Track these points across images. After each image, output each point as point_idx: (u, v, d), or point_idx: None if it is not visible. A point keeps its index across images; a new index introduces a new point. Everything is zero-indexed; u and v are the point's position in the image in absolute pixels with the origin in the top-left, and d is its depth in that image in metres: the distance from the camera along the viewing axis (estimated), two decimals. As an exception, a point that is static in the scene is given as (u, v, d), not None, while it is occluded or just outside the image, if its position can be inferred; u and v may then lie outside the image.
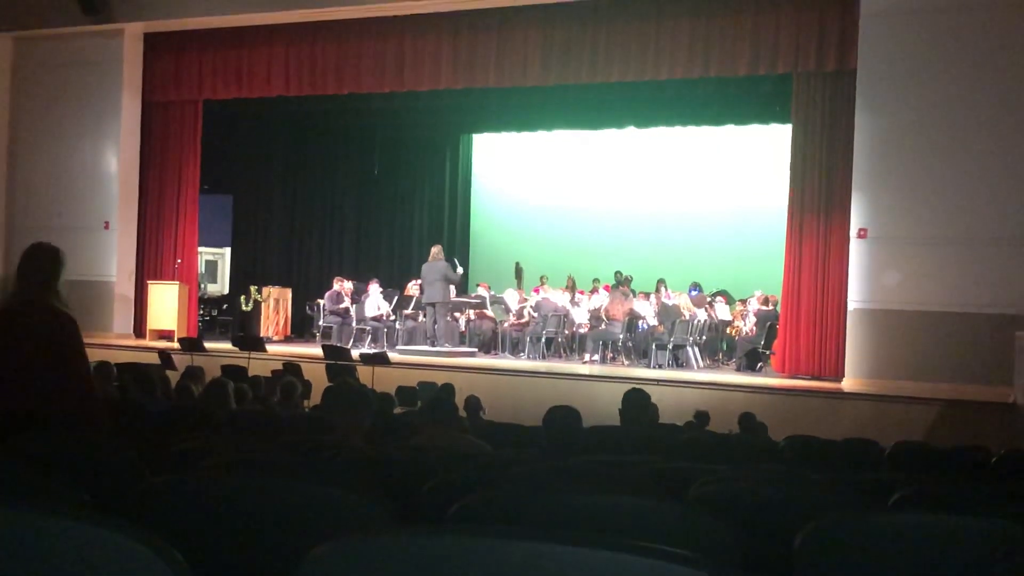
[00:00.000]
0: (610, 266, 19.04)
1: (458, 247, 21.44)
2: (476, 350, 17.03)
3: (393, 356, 14.63)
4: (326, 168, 22.57)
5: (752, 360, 15.64)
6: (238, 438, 5.38)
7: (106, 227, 17.86)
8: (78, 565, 1.71)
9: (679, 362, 15.89)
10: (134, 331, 17.87)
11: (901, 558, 2.41)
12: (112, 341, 16.96)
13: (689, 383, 13.59)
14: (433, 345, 16.37)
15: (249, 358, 13.81)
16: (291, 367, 12.16)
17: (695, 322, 16.18)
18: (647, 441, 6.50)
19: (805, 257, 14.33)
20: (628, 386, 8.59)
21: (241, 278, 21.30)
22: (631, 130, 20.64)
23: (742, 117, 19.20)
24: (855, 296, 13.54)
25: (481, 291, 18.25)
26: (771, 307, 15.96)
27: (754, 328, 16.10)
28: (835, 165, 14.14)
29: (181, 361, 13.39)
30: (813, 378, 13.95)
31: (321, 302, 18.37)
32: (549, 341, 16.81)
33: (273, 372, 11.71)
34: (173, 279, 17.63)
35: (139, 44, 18.07)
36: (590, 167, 22.05)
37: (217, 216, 22.07)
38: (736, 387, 13.32)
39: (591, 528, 2.42)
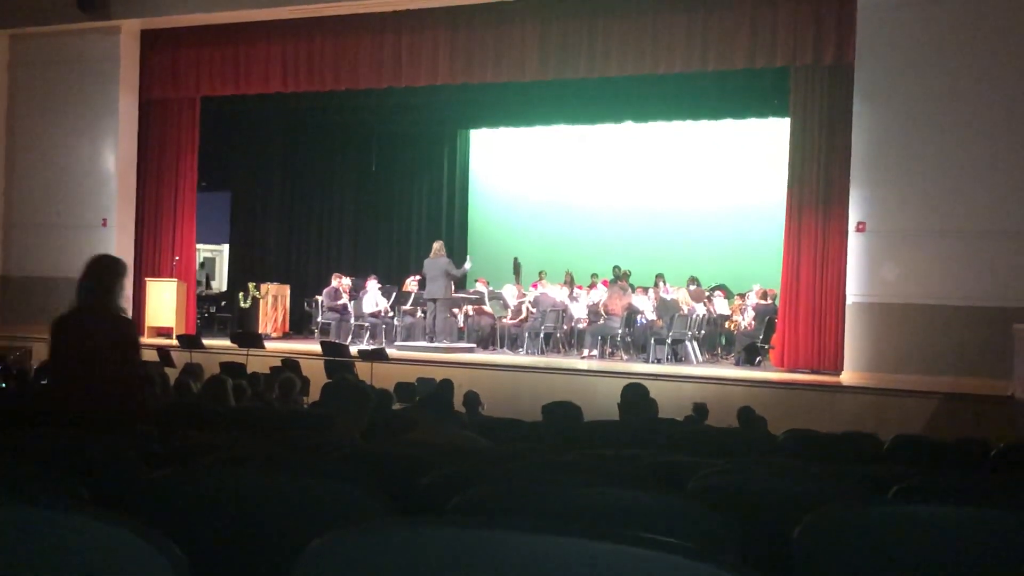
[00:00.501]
0: (608, 261, 19.04)
1: (456, 243, 21.44)
2: (475, 346, 17.03)
3: (391, 352, 14.64)
4: (324, 164, 22.56)
5: (751, 354, 15.65)
6: (237, 435, 5.38)
7: (104, 224, 17.84)
8: (78, 559, 1.71)
9: (678, 357, 15.89)
10: (133, 328, 17.83)
11: (900, 549, 2.41)
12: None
13: (688, 378, 13.61)
14: (432, 341, 16.37)
15: (248, 355, 13.80)
16: (290, 363, 12.15)
17: (694, 316, 16.18)
18: (646, 435, 6.50)
19: (804, 251, 14.33)
20: (627, 381, 8.59)
21: (239, 275, 21.30)
22: (629, 124, 20.65)
23: (740, 111, 19.20)
24: (854, 289, 13.54)
25: (479, 287, 18.26)
26: (770, 301, 15.96)
27: (753, 322, 16.10)
28: (833, 158, 14.13)
29: (180, 358, 13.39)
30: (812, 372, 13.95)
31: (319, 298, 18.37)
32: (547, 336, 16.81)
33: (272, 369, 11.70)
34: (171, 276, 17.62)
35: (136, 41, 18.03)
36: (588, 162, 22.04)
37: (215, 213, 22.06)
38: (735, 381, 13.34)
39: (591, 521, 2.42)
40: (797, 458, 5.65)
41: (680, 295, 16.93)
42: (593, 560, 1.52)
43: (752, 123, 19.78)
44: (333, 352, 13.68)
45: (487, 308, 17.98)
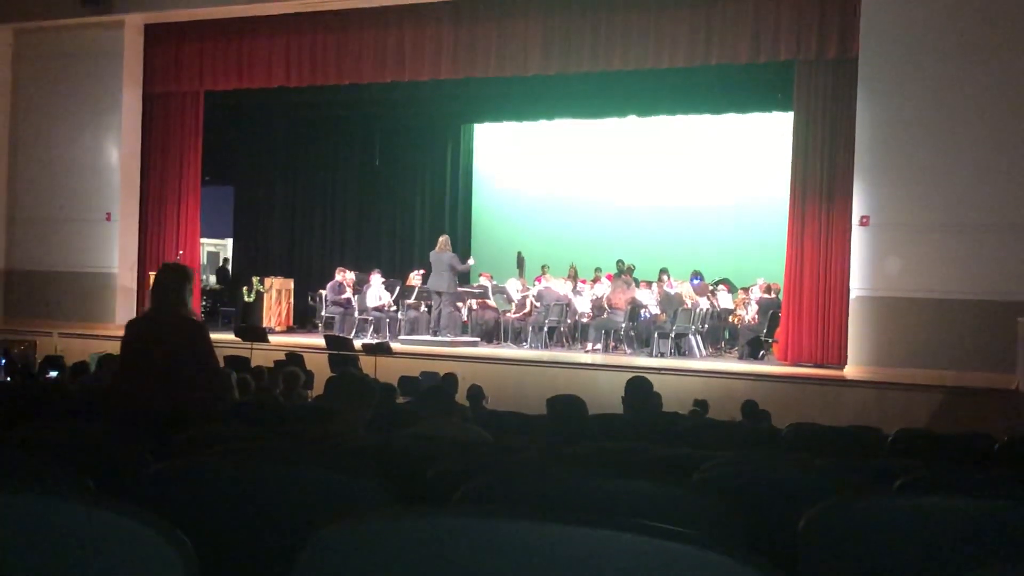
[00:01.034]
0: (612, 255, 19.02)
1: (460, 237, 21.42)
2: (479, 340, 17.03)
3: (395, 346, 14.65)
4: (327, 158, 22.57)
5: (754, 348, 15.64)
6: (241, 428, 5.39)
7: (108, 218, 17.87)
8: (85, 548, 1.72)
9: (681, 351, 15.87)
10: (137, 322, 17.85)
11: (904, 541, 2.41)
12: (115, 332, 16.96)
13: (691, 371, 13.61)
14: (435, 335, 16.38)
15: (252, 349, 13.81)
16: (294, 357, 12.16)
17: (697, 310, 16.17)
18: (650, 429, 6.51)
19: (807, 245, 14.32)
20: (630, 375, 8.59)
21: (243, 269, 21.30)
22: (632, 119, 20.62)
23: (744, 105, 19.20)
24: (857, 284, 13.54)
25: (483, 281, 18.25)
26: (773, 295, 15.94)
27: (756, 316, 16.09)
28: (837, 153, 14.13)
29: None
30: (816, 366, 13.95)
31: (323, 293, 18.36)
32: (551, 330, 16.81)
33: (276, 363, 11.71)
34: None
35: (139, 35, 18.05)
36: (591, 156, 22.02)
37: (219, 207, 22.07)
38: (739, 375, 13.34)
39: (596, 511, 2.43)
40: (801, 451, 5.65)
41: (684, 289, 16.92)
42: (596, 548, 1.53)
43: (756, 117, 19.77)
44: (337, 346, 13.69)
45: (491, 302, 17.99)
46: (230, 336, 15.56)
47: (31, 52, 18.55)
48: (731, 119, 20.17)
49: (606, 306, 16.60)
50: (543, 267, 18.83)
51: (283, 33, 17.16)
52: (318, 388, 10.50)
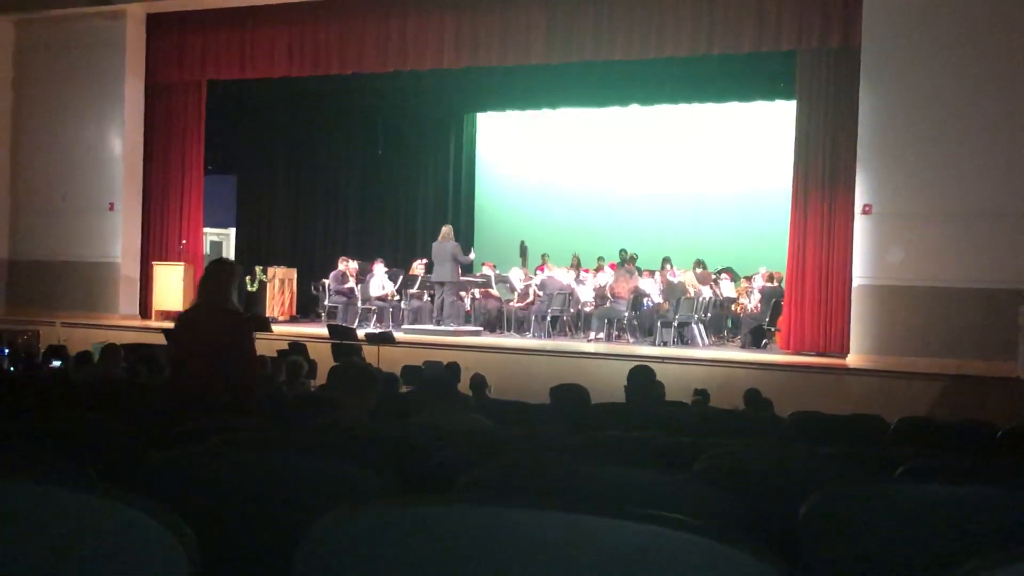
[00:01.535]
0: (615, 244, 19.02)
1: (463, 226, 21.43)
2: (481, 329, 17.05)
3: (398, 335, 14.66)
4: (330, 148, 22.54)
5: (757, 337, 15.65)
6: (244, 417, 5.40)
7: (111, 208, 17.88)
8: (88, 538, 1.72)
9: (684, 339, 15.88)
10: (140, 312, 17.91)
11: (905, 528, 2.42)
12: (118, 322, 17.01)
13: (694, 360, 13.61)
14: (439, 324, 16.39)
15: (255, 338, 13.78)
16: (297, 347, 12.16)
17: (700, 299, 16.17)
18: (653, 417, 6.51)
19: (810, 234, 14.32)
20: (633, 364, 8.59)
21: (246, 258, 21.31)
22: (635, 108, 20.59)
23: (746, 94, 19.18)
24: (860, 272, 13.53)
25: (486, 270, 18.26)
26: (776, 284, 15.94)
27: (759, 305, 16.10)
28: (840, 141, 14.12)
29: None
30: (818, 354, 13.96)
31: (326, 282, 18.37)
32: (554, 319, 16.83)
33: (279, 352, 11.71)
34: (178, 260, 17.66)
35: (141, 25, 18.04)
36: (594, 145, 22.00)
37: (221, 197, 22.05)
38: (741, 364, 13.34)
39: (598, 499, 2.43)
40: (803, 440, 5.65)
41: (687, 278, 16.92)
42: (598, 535, 1.53)
43: (758, 106, 19.74)
44: (340, 335, 13.69)
45: (494, 291, 18.00)
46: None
47: (33, 43, 18.54)
48: (733, 108, 20.14)
49: (609, 295, 16.62)
50: (543, 256, 18.83)
51: (286, 22, 17.14)
52: (321, 378, 10.50)
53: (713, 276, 17.74)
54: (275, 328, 15.21)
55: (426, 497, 1.69)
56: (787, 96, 16.28)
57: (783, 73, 15.93)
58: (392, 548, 1.62)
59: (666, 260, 17.64)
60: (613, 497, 2.50)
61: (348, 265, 18.23)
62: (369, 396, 6.10)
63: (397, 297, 17.95)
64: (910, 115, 13.32)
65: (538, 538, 1.55)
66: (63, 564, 1.73)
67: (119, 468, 2.70)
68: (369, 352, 12.92)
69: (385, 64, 16.80)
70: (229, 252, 23.72)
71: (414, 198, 23.02)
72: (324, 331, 14.43)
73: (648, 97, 19.90)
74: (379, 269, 17.96)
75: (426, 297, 17.83)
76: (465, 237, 20.44)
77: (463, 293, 17.57)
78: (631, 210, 21.21)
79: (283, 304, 19.08)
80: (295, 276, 19.57)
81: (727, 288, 17.47)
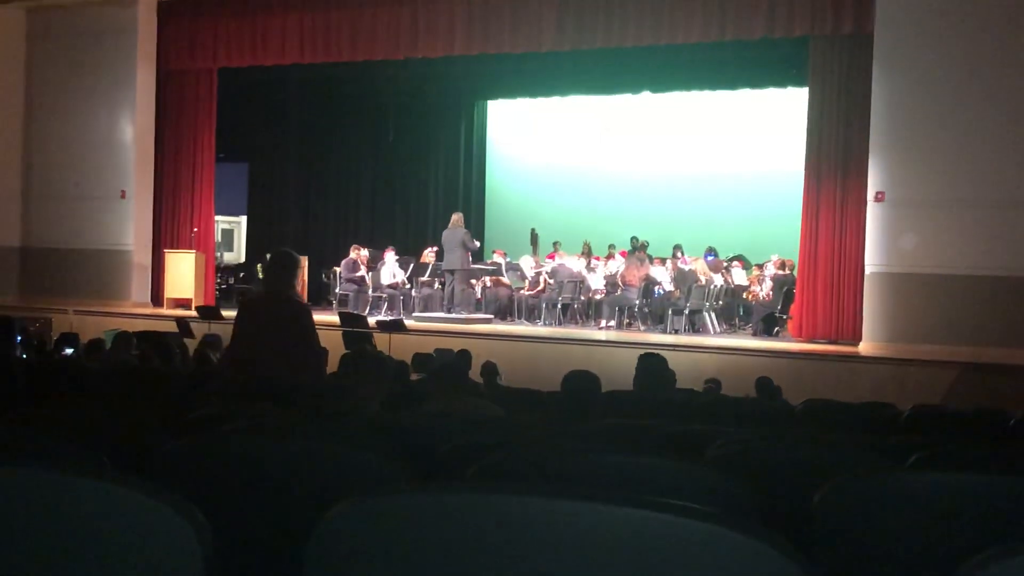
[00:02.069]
0: (626, 231, 19.00)
1: (473, 214, 21.41)
2: (492, 317, 17.04)
3: (409, 323, 14.67)
4: (341, 135, 22.53)
5: (769, 325, 15.62)
6: (256, 404, 5.40)
7: (122, 196, 17.91)
8: (101, 525, 1.73)
9: (695, 327, 15.87)
10: (152, 300, 17.95)
11: (918, 516, 2.41)
12: (130, 310, 17.06)
13: (705, 348, 13.60)
14: (449, 312, 16.40)
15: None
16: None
17: (711, 287, 16.15)
18: (664, 405, 6.50)
19: (822, 221, 14.28)
20: (644, 351, 8.58)
21: (257, 246, 21.34)
22: (646, 95, 20.57)
23: (758, 81, 19.14)
24: (872, 260, 13.49)
25: (497, 258, 18.25)
26: (788, 271, 15.91)
27: (771, 293, 16.07)
28: (852, 128, 14.06)
29: (199, 329, 13.45)
30: (830, 342, 13.93)
31: (337, 270, 18.39)
32: (565, 307, 16.82)
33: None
34: (190, 248, 17.69)
35: (153, 12, 18.04)
36: (605, 132, 21.96)
37: (233, 184, 22.09)
38: (753, 352, 13.33)
39: (610, 487, 2.43)
40: (815, 428, 5.64)
41: (698, 265, 16.89)
42: (610, 524, 1.53)
43: (770, 93, 19.70)
44: (351, 323, 13.71)
45: (504, 279, 17.99)
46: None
47: (44, 31, 18.55)
48: (746, 95, 20.10)
49: (620, 283, 16.60)
50: (555, 243, 18.82)
51: (297, 9, 17.12)
52: (332, 365, 10.52)
53: (725, 264, 17.71)
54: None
55: (438, 485, 1.69)
56: (799, 83, 16.23)
57: (795, 59, 15.88)
58: (403, 536, 1.62)
59: (677, 248, 17.63)
60: (624, 486, 2.50)
61: (359, 253, 18.24)
62: (380, 383, 6.11)
63: (408, 285, 17.96)
64: (923, 102, 13.25)
65: (547, 526, 1.55)
66: (76, 551, 1.74)
67: (132, 455, 2.70)
68: (380, 340, 12.93)
69: (396, 51, 16.77)
70: (240, 240, 23.78)
71: (425, 185, 23.00)
72: (335, 319, 14.45)
73: (659, 84, 19.88)
74: (390, 257, 17.97)
75: (437, 285, 17.83)
76: (476, 225, 20.42)
77: (474, 281, 17.57)
78: (642, 198, 21.18)
79: (294, 292, 19.06)
80: (306, 264, 19.56)
81: (739, 276, 17.44)
